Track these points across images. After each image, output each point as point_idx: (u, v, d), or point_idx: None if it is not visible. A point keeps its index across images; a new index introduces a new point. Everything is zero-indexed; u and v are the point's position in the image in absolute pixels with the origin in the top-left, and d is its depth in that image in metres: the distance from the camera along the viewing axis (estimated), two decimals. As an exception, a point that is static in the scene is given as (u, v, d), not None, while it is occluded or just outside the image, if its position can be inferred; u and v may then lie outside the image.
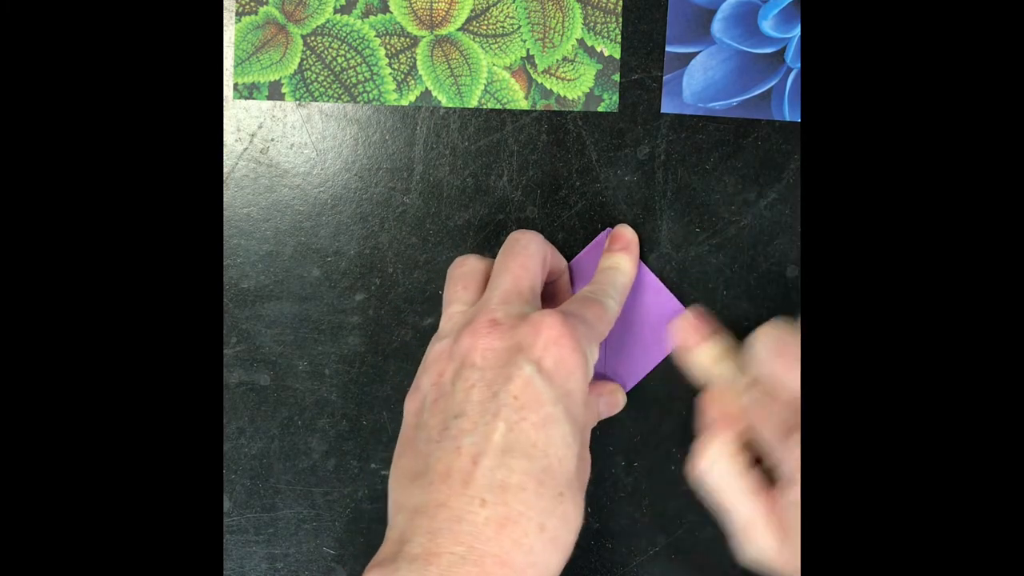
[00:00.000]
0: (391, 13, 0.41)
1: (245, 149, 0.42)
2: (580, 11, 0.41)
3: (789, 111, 0.41)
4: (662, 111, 0.41)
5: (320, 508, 0.42)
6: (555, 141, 0.41)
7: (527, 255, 0.36)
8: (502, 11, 0.41)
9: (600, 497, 0.42)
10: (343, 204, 0.42)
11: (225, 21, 0.41)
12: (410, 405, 0.35)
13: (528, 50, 0.41)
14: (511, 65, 0.41)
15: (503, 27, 0.41)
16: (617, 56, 0.41)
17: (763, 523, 0.35)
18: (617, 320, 0.40)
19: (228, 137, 0.42)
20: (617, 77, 0.41)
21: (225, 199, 0.42)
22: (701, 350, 0.39)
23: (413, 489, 0.32)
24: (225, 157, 0.42)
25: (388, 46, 0.41)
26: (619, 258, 0.40)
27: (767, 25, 0.41)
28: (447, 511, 0.31)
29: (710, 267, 0.41)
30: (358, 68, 0.42)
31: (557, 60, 0.41)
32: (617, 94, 0.41)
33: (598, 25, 0.41)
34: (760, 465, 0.37)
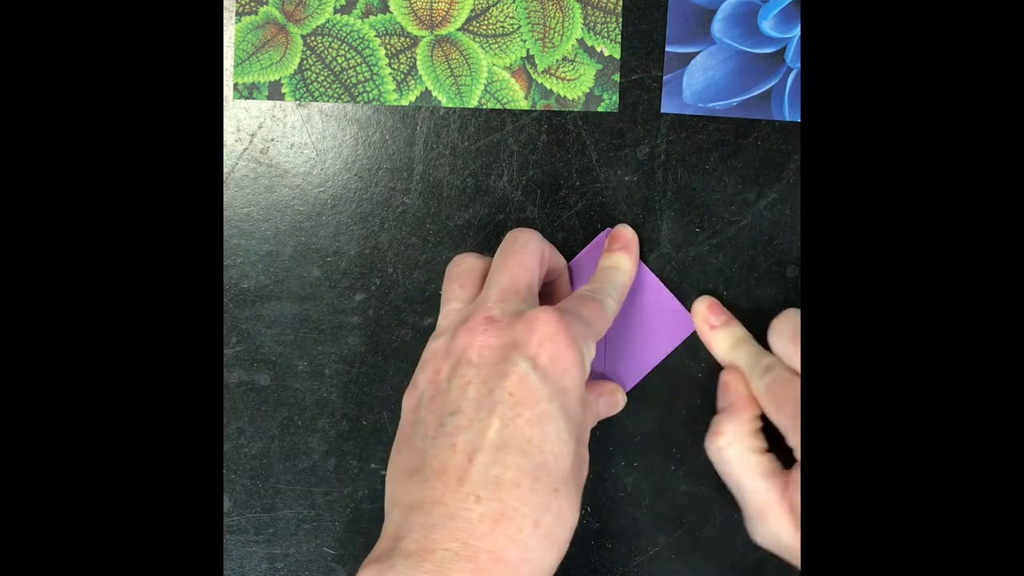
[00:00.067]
0: (391, 13, 0.41)
1: (245, 149, 0.42)
2: (580, 11, 0.41)
3: (789, 111, 0.41)
4: (662, 111, 0.41)
5: (320, 508, 0.42)
6: (555, 141, 0.41)
7: (525, 253, 0.36)
8: (502, 11, 0.41)
9: (600, 497, 0.42)
10: (343, 204, 0.42)
11: (225, 21, 0.41)
12: (407, 402, 0.35)
13: (528, 50, 0.41)
14: (511, 65, 0.41)
15: (503, 27, 0.41)
16: (617, 56, 0.41)
17: (776, 505, 0.36)
18: (617, 320, 0.40)
19: (228, 137, 0.42)
20: (617, 77, 0.41)
21: (225, 199, 0.42)
22: (719, 335, 0.39)
23: (409, 486, 0.33)
24: (225, 157, 0.42)
25: (388, 46, 0.42)
26: (619, 257, 0.40)
27: (767, 25, 0.41)
28: (442, 507, 0.31)
29: (710, 267, 0.41)
30: (358, 68, 0.42)
31: (557, 60, 0.41)
32: (617, 94, 0.41)
33: (598, 25, 0.41)
34: (776, 451, 0.37)
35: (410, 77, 0.41)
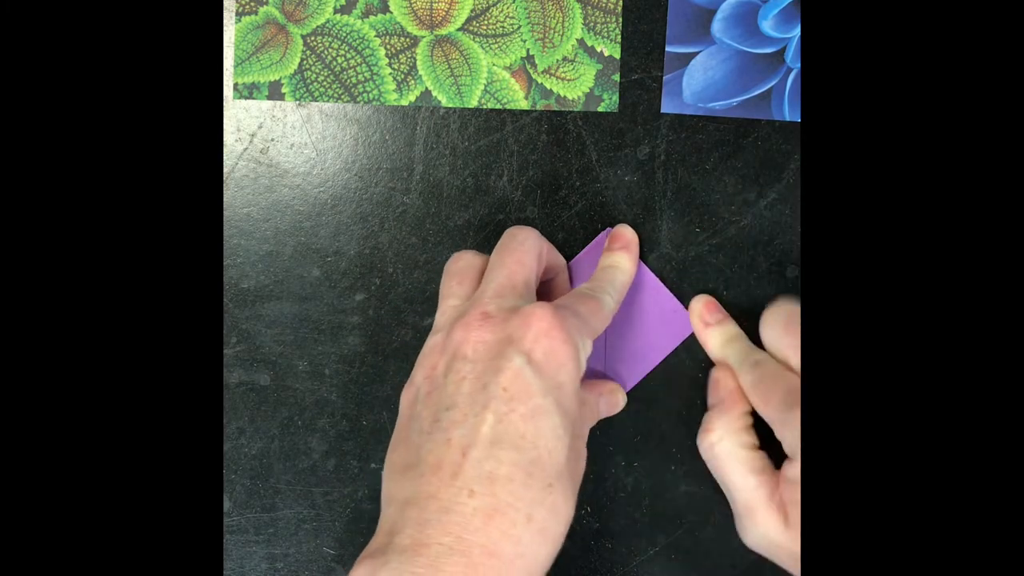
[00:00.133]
0: (391, 13, 0.41)
1: (245, 149, 0.42)
2: (580, 11, 0.41)
3: (789, 111, 0.41)
4: (662, 111, 0.41)
5: (320, 508, 0.42)
6: (555, 141, 0.41)
7: (523, 250, 0.36)
8: (502, 11, 0.41)
9: (600, 497, 0.42)
10: (343, 204, 0.42)
11: (225, 21, 0.41)
12: (405, 398, 0.35)
13: (528, 50, 0.41)
14: (511, 65, 0.41)
15: (503, 27, 0.41)
16: (617, 56, 0.41)
17: (765, 501, 0.36)
18: (617, 320, 0.40)
19: (228, 137, 0.42)
20: (617, 77, 0.41)
21: (225, 199, 0.42)
22: (713, 332, 0.39)
23: (404, 481, 0.33)
24: (225, 157, 0.42)
25: (388, 46, 0.42)
26: (619, 257, 0.40)
27: (767, 25, 0.41)
28: (436, 502, 0.31)
29: (710, 267, 0.41)
30: (358, 68, 0.42)
31: (557, 60, 0.41)
32: (617, 94, 0.41)
33: (598, 25, 0.41)
34: (767, 449, 0.37)
35: (410, 77, 0.41)
